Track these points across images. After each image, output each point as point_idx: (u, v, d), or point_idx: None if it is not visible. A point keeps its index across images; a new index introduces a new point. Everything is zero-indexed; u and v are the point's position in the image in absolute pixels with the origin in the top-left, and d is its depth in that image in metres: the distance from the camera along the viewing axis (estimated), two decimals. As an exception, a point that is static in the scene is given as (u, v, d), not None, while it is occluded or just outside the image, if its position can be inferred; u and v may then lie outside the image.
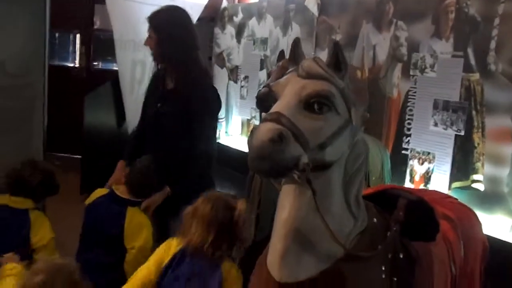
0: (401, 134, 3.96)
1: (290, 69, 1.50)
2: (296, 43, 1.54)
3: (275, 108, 1.40)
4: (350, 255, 1.49)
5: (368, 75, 4.23)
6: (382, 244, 1.57)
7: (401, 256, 1.63)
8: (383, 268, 1.57)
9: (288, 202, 1.47)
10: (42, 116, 3.75)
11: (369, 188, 2.19)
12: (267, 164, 1.31)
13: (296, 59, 1.50)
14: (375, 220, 1.63)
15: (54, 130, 4.12)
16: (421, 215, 1.83)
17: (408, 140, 3.91)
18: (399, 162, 3.94)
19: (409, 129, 3.89)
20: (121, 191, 2.82)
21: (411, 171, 3.89)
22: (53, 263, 1.95)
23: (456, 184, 3.56)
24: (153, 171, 2.81)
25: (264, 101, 1.70)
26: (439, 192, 2.41)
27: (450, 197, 2.39)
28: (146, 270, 2.27)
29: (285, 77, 1.48)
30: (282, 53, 1.50)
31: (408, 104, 3.89)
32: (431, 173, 3.75)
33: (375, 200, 1.81)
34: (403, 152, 3.94)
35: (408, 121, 3.90)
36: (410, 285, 1.63)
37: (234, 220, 2.26)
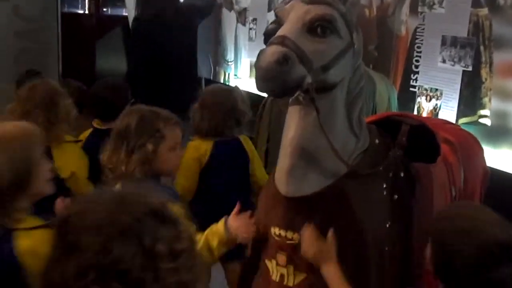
0: (409, 71, 3.99)
1: (294, -5, 1.56)
2: None
3: (280, 32, 1.47)
4: (353, 172, 1.59)
5: (376, 13, 4.22)
6: (383, 163, 1.66)
7: (402, 175, 1.72)
8: (384, 186, 1.67)
9: (294, 122, 1.56)
10: (57, 60, 3.84)
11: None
12: (273, 84, 1.39)
13: (300, -15, 1.56)
14: (377, 141, 1.71)
15: (67, 75, 4.21)
16: (422, 139, 1.91)
17: (416, 77, 3.94)
18: (407, 99, 3.99)
19: (417, 66, 3.92)
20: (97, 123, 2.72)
21: (419, 108, 3.94)
22: None
23: (463, 120, 3.61)
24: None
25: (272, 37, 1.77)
26: (442, 119, 2.48)
27: (452, 123, 2.46)
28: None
29: (290, 3, 1.54)
30: None
31: (416, 41, 3.90)
32: (439, 109, 3.80)
33: (379, 126, 1.89)
34: (411, 89, 3.98)
35: (416, 58, 3.92)
36: (410, 203, 1.73)
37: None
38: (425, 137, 1.95)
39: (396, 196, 1.70)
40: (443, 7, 3.66)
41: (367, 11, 4.30)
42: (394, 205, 1.69)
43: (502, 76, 3.31)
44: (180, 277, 0.90)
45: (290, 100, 1.59)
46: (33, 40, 3.86)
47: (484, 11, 3.38)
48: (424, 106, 3.88)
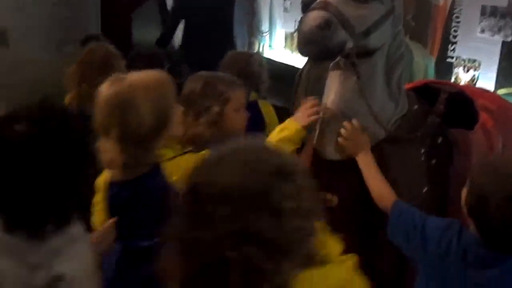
0: (446, 42, 3.93)
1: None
2: None
3: (322, -4, 1.49)
4: (391, 136, 1.62)
5: (414, -18, 4.16)
6: (421, 129, 1.68)
7: (440, 141, 1.74)
8: (422, 151, 1.69)
9: (334, 87, 1.60)
10: (97, 29, 3.90)
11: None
12: (315, 48, 1.43)
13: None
14: (415, 107, 1.73)
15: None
16: (461, 106, 1.92)
17: (454, 48, 3.88)
18: (444, 70, 3.94)
19: (455, 37, 3.86)
20: None
21: (456, 78, 3.89)
22: None
23: (501, 91, 3.55)
24: None
25: (310, 6, 1.78)
26: (482, 88, 2.47)
27: (492, 92, 2.45)
28: None
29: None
30: None
31: (455, 11, 3.83)
32: (476, 80, 3.75)
33: (417, 93, 1.91)
34: (448, 60, 3.93)
35: (454, 28, 3.86)
36: (447, 168, 1.75)
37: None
38: (463, 104, 1.95)
39: (433, 162, 1.73)
40: (483, -24, 3.59)
41: (404, -20, 4.24)
42: (431, 171, 1.72)
43: (543, 47, 3.25)
44: (305, 230, 0.94)
45: (331, 65, 1.62)
46: (74, 9, 3.94)
47: (526, -21, 3.31)
48: (462, 77, 3.83)
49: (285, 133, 1.68)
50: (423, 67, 3.43)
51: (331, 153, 1.62)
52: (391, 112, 1.65)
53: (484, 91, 2.31)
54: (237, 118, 1.86)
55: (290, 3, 5.62)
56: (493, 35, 3.55)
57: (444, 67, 3.93)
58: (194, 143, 1.76)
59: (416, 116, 1.72)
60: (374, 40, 1.53)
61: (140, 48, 3.17)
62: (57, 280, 1.16)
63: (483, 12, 3.61)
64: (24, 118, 1.17)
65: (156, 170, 1.54)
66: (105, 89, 1.51)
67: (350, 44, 1.46)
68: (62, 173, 1.13)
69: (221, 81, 1.86)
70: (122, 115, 1.46)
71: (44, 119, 1.18)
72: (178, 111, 1.60)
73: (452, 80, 3.89)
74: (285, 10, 5.68)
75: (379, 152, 1.62)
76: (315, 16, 1.43)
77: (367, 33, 1.50)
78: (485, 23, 3.60)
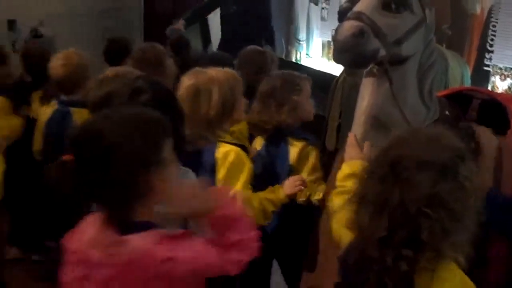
0: (483, 50, 3.95)
1: (370, -24, 1.66)
2: None
3: (356, 8, 1.58)
4: None
5: (451, -8, 4.20)
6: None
7: (472, 146, 1.79)
8: (454, 155, 1.74)
9: (367, 93, 1.68)
10: (140, 37, 4.08)
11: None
12: (349, 56, 1.52)
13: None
14: (447, 112, 1.80)
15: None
16: (493, 113, 1.97)
17: (491, 57, 3.90)
18: (481, 78, 3.96)
19: (491, 45, 3.88)
20: None
21: (493, 87, 3.91)
22: None
23: (537, 100, 3.56)
24: None
25: (346, 16, 1.88)
26: None
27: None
28: None
29: (367, -19, 1.65)
30: None
31: (491, 20, 3.86)
32: (513, 88, 3.76)
33: (450, 99, 1.97)
34: (484, 68, 3.95)
35: (491, 37, 3.88)
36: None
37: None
38: (496, 111, 2.00)
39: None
40: (520, -15, 3.61)
41: (441, -10, 4.28)
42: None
43: None
44: (472, 210, 1.16)
45: (365, 72, 1.70)
46: (118, 18, 4.14)
47: (562, -11, 3.32)
48: (499, 85, 3.85)
49: (271, 196, 2.00)
50: (459, 75, 3.46)
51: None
52: (423, 117, 1.72)
53: (517, 98, 2.34)
54: (309, 104, 2.29)
55: (327, 13, 5.71)
56: (529, 44, 3.57)
57: (481, 75, 3.95)
58: (277, 128, 2.22)
59: (447, 121, 1.78)
60: (406, 48, 1.60)
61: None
62: None
63: (519, 21, 3.63)
64: (146, 90, 1.47)
65: (211, 147, 1.88)
66: (187, 79, 1.93)
67: (382, 52, 1.54)
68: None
69: (294, 76, 2.29)
70: (197, 100, 1.87)
71: (157, 90, 1.51)
72: (243, 102, 2.01)
73: (489, 88, 3.91)
74: (323, 19, 5.77)
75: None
76: (350, 25, 1.51)
77: (399, 41, 1.58)
78: (521, 31, 3.62)
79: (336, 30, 1.54)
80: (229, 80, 1.95)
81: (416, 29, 1.61)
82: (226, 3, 4.74)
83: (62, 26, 4.11)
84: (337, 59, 1.55)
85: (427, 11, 1.64)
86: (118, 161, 1.14)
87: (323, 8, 5.75)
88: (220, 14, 4.86)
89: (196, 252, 1.16)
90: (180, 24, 4.34)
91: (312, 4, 5.95)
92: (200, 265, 1.18)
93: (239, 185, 1.84)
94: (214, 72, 1.94)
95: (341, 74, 3.09)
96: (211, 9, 4.85)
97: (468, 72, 3.66)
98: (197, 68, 1.99)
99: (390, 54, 1.57)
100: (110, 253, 1.13)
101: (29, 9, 4.16)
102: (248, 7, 4.70)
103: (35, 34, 3.95)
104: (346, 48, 1.51)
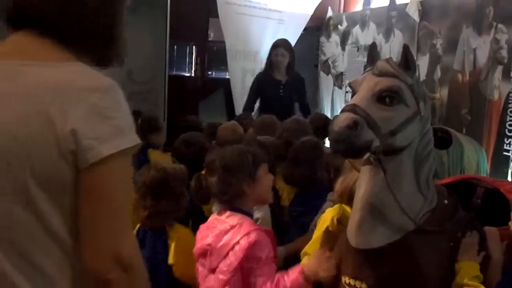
0: (502, 135, 3.98)
1: (368, 69, 1.76)
2: (372, 47, 1.80)
3: (352, 100, 1.67)
4: (420, 229, 1.72)
5: (469, 78, 4.29)
6: (450, 222, 1.77)
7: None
8: (451, 245, 1.76)
9: (364, 181, 1.73)
10: (163, 118, 4.26)
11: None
12: (344, 146, 1.59)
13: (373, 61, 1.76)
14: (445, 201, 1.83)
15: (172, 133, 4.61)
16: (496, 203, 1.99)
17: (510, 142, 3.93)
18: (501, 163, 3.97)
19: (510, 131, 3.91)
20: None
21: (513, 172, 3.91)
22: None
23: (557, 185, 3.54)
24: None
25: None
26: None
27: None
28: None
29: (362, 75, 1.75)
30: (373, 45, 1.75)
31: (509, 105, 3.91)
32: (532, 174, 3.75)
33: (454, 188, 2.00)
34: (504, 153, 3.96)
35: (509, 122, 3.92)
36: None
37: None
38: (499, 201, 2.02)
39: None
40: (535, 73, 3.68)
41: (460, 76, 4.38)
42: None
43: None
44: None
45: (363, 160, 1.76)
46: (144, 101, 4.38)
47: None
48: (518, 170, 3.85)
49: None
50: (475, 160, 3.48)
51: (360, 242, 1.73)
52: (420, 206, 1.75)
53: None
54: None
55: (351, 96, 5.88)
56: (548, 130, 3.59)
57: (501, 160, 3.96)
58: None
59: (446, 210, 1.80)
60: (400, 140, 1.67)
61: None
62: None
63: (537, 107, 3.68)
64: None
65: None
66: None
67: (376, 143, 1.61)
68: None
69: None
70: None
71: None
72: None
73: (509, 173, 3.90)
74: (346, 102, 5.92)
75: (407, 244, 1.71)
76: (345, 117, 1.60)
77: (393, 133, 1.64)
78: (539, 118, 3.65)
79: (332, 121, 1.62)
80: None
81: (410, 121, 1.68)
82: (272, 87, 5.08)
83: (135, 60, 4.52)
84: (333, 148, 1.63)
85: (421, 104, 1.70)
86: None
87: (347, 92, 5.91)
88: (261, 96, 5.21)
89: None
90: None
91: (336, 88, 6.13)
92: None
93: None
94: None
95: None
96: (256, 98, 5.24)
97: (485, 157, 3.67)
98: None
99: (384, 145, 1.63)
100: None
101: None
102: (291, 92, 5.09)
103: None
104: (341, 139, 1.58)
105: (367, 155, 1.71)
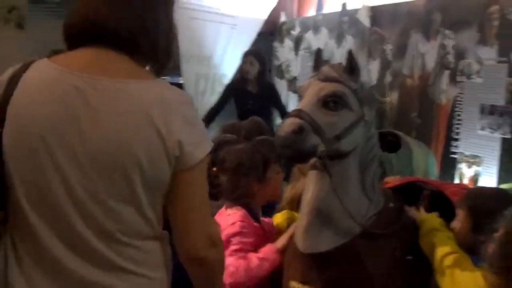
0: (450, 138, 4.09)
1: (313, 75, 1.78)
2: (317, 53, 1.82)
3: (298, 106, 1.68)
4: (366, 232, 1.74)
5: (418, 82, 4.39)
6: (396, 225, 1.80)
7: (416, 237, 1.84)
8: (397, 247, 1.79)
9: (311, 185, 1.75)
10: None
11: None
12: (290, 151, 1.60)
13: (318, 66, 1.78)
14: (391, 204, 1.86)
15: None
16: (441, 205, 2.04)
17: (457, 144, 4.03)
18: (449, 165, 4.07)
19: (457, 134, 4.02)
20: None
21: (460, 174, 4.01)
22: None
23: (503, 186, 3.64)
24: None
25: None
26: (462, 185, 2.58)
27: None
28: None
29: (308, 81, 1.76)
30: (318, 51, 1.78)
31: (456, 109, 4.02)
32: (479, 176, 3.86)
33: (402, 191, 2.04)
34: (452, 156, 4.07)
35: (457, 126, 4.02)
36: (425, 264, 1.84)
37: None
38: (443, 203, 2.06)
39: (410, 257, 1.82)
40: (480, 77, 3.79)
41: (409, 80, 4.47)
42: (407, 266, 1.81)
43: (540, 144, 3.37)
44: None
45: (310, 165, 1.78)
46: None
47: (521, 80, 3.49)
48: (465, 173, 3.95)
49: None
50: (424, 163, 3.55)
51: (308, 246, 1.74)
52: (366, 209, 1.77)
53: (463, 188, 2.41)
54: None
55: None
56: (492, 132, 3.70)
57: (449, 163, 4.06)
58: None
59: (392, 213, 1.84)
60: (345, 144, 1.69)
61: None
62: None
63: (482, 111, 3.78)
64: None
65: None
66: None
67: (322, 148, 1.63)
68: None
69: None
70: None
71: None
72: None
73: (457, 175, 4.01)
74: (299, 106, 5.98)
75: (354, 247, 1.73)
76: (291, 122, 1.61)
77: (338, 137, 1.66)
78: (484, 121, 3.76)
79: (279, 126, 1.63)
80: None
81: (355, 125, 1.70)
82: (242, 99, 5.06)
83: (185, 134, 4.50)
84: (280, 153, 1.63)
85: (365, 109, 1.73)
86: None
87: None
88: (237, 111, 5.16)
89: None
90: None
91: (290, 92, 6.16)
92: None
93: None
94: None
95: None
96: (223, 106, 5.21)
97: (433, 160, 3.75)
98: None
99: (329, 150, 1.65)
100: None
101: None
102: (263, 103, 5.01)
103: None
104: (287, 144, 1.59)
105: (313, 160, 1.72)
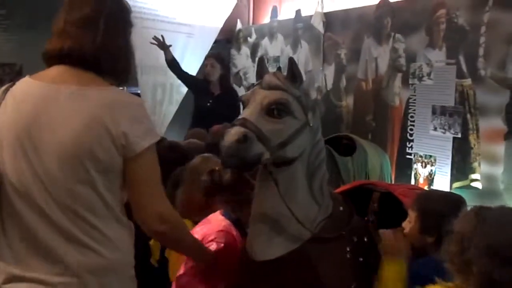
0: (404, 139, 4.17)
1: (256, 83, 1.79)
2: (260, 62, 1.84)
3: (242, 115, 1.69)
4: (316, 237, 1.76)
5: (372, 86, 4.47)
6: (346, 228, 1.82)
7: (366, 239, 1.87)
8: (348, 249, 1.82)
9: (259, 193, 1.75)
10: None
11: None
12: (235, 160, 1.60)
13: (261, 75, 1.79)
14: (341, 208, 1.88)
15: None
16: (391, 206, 2.08)
17: (411, 145, 4.11)
18: (404, 166, 4.15)
19: (411, 135, 4.10)
20: None
21: (416, 174, 4.09)
22: None
23: (456, 184, 3.74)
24: None
25: None
26: (410, 185, 2.64)
27: (419, 188, 2.63)
28: None
29: (251, 89, 1.77)
30: (261, 59, 1.79)
31: (409, 111, 4.10)
32: (434, 175, 3.94)
33: (352, 194, 2.07)
34: (407, 156, 4.15)
35: (410, 127, 4.11)
36: (375, 265, 1.87)
37: None
38: (393, 204, 2.11)
39: (361, 259, 1.84)
40: (431, 79, 3.88)
41: (363, 84, 4.55)
42: (359, 267, 1.83)
43: (489, 142, 3.46)
44: None
45: (258, 173, 1.79)
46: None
47: (468, 81, 3.59)
48: (420, 172, 4.03)
49: None
50: (379, 165, 3.62)
51: (259, 254, 1.75)
52: (315, 214, 1.79)
53: (411, 188, 2.46)
54: None
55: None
56: (444, 132, 3.79)
57: (404, 163, 4.14)
58: None
59: (341, 216, 1.86)
60: (290, 151, 1.70)
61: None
62: None
63: (433, 111, 3.88)
64: None
65: None
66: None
67: (267, 155, 1.64)
68: None
69: None
70: None
71: None
72: None
73: (412, 175, 4.09)
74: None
75: (304, 253, 1.74)
76: (235, 132, 1.61)
77: (283, 145, 1.67)
78: (436, 121, 3.85)
79: (223, 135, 1.63)
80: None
81: (300, 132, 1.71)
82: (202, 97, 5.05)
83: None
84: (224, 163, 1.64)
85: (309, 115, 1.75)
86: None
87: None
88: (194, 103, 5.20)
89: None
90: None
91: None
92: None
93: None
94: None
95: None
96: (187, 81, 5.25)
97: (388, 162, 3.83)
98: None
99: (275, 157, 1.66)
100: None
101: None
102: (221, 108, 4.88)
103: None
104: (231, 153, 1.59)
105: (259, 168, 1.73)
